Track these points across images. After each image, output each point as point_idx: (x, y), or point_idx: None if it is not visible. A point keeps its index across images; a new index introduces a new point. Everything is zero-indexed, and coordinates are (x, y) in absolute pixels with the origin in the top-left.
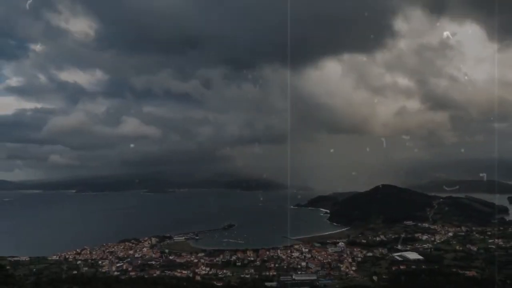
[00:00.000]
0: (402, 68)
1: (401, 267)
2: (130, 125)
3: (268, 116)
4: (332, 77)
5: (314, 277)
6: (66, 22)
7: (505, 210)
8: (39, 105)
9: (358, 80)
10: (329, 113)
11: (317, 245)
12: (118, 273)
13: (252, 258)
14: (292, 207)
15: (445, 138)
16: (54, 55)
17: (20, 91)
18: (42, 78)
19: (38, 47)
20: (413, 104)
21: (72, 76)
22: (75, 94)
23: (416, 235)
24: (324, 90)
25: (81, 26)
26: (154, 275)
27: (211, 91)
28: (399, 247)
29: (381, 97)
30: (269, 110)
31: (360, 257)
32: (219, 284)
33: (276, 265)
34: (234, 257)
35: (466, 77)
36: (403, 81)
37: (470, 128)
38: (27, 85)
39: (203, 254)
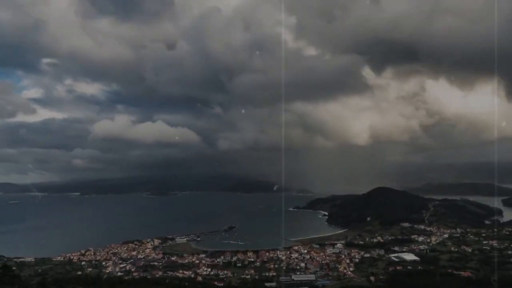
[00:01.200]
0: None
1: (398, 267)
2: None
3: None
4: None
5: (312, 278)
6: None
7: (499, 212)
8: (65, 115)
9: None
10: (325, 127)
11: (316, 246)
12: (122, 273)
13: (252, 259)
14: (291, 209)
15: (425, 144)
16: (98, 70)
17: (44, 102)
18: (65, 90)
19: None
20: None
21: (107, 89)
22: (108, 105)
23: (412, 236)
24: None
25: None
26: (157, 275)
27: (228, 111)
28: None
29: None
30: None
31: (357, 258)
32: (220, 285)
33: (276, 266)
34: (234, 258)
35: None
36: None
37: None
38: (54, 96)
39: (204, 255)
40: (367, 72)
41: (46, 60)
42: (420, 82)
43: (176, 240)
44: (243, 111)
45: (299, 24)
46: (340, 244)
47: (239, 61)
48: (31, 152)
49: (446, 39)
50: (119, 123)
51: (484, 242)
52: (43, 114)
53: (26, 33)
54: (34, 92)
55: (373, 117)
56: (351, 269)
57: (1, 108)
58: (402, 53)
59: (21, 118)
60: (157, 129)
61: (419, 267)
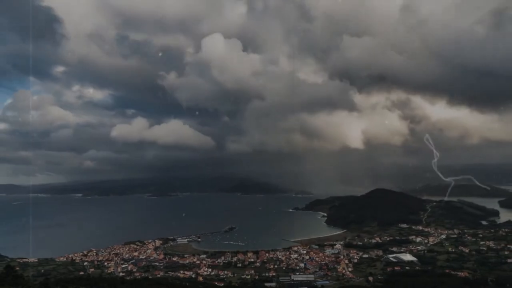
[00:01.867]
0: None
1: (396, 268)
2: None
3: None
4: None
5: (312, 278)
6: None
7: (496, 213)
8: (78, 119)
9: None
10: (324, 132)
11: (315, 247)
12: (124, 274)
13: (252, 260)
14: (290, 210)
15: (417, 147)
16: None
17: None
18: (75, 95)
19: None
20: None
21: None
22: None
23: (410, 237)
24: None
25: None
26: (158, 276)
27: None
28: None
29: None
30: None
31: (356, 258)
32: (220, 285)
33: (276, 266)
34: (235, 259)
35: None
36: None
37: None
38: (66, 101)
39: (205, 255)
40: (357, 91)
41: (57, 67)
42: (403, 95)
43: (177, 240)
44: (248, 120)
45: (292, 55)
46: (339, 245)
47: (244, 83)
48: (44, 155)
49: (400, 71)
50: (136, 126)
51: (481, 242)
52: (55, 118)
53: (37, 41)
54: (46, 97)
55: (367, 124)
56: (349, 269)
57: (14, 113)
58: (376, 79)
59: (34, 122)
60: (171, 130)
61: (417, 268)
